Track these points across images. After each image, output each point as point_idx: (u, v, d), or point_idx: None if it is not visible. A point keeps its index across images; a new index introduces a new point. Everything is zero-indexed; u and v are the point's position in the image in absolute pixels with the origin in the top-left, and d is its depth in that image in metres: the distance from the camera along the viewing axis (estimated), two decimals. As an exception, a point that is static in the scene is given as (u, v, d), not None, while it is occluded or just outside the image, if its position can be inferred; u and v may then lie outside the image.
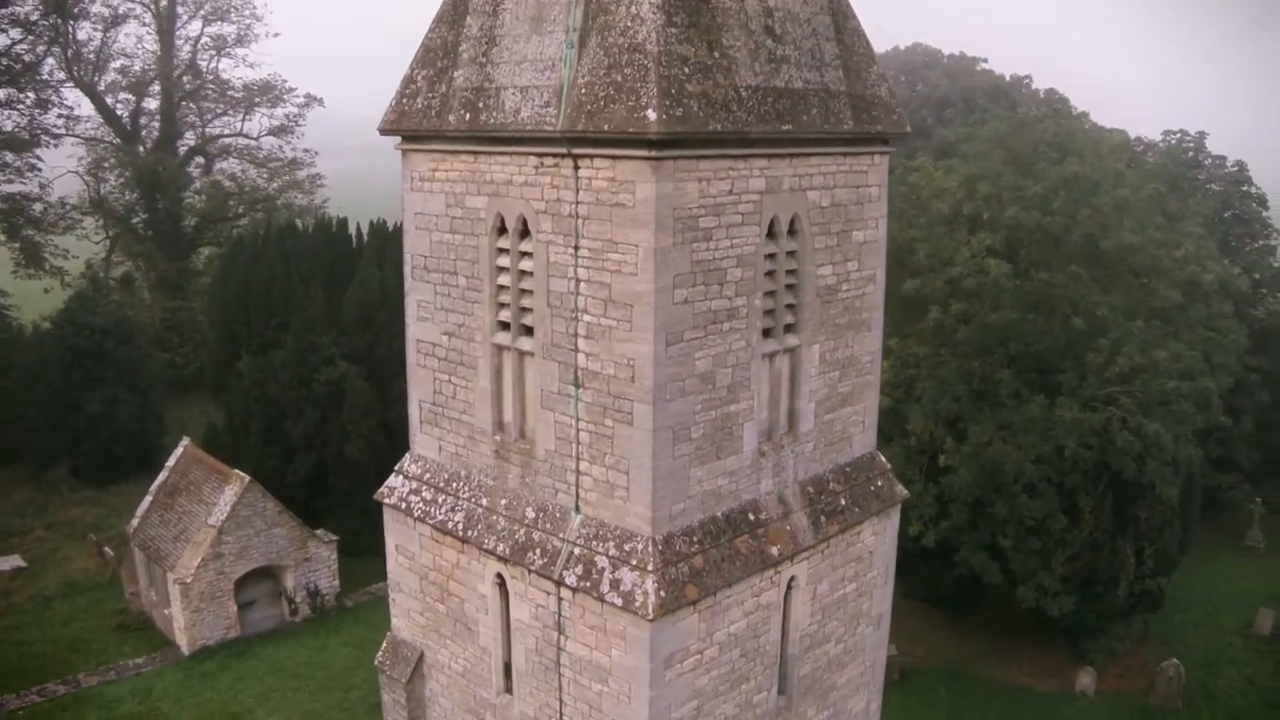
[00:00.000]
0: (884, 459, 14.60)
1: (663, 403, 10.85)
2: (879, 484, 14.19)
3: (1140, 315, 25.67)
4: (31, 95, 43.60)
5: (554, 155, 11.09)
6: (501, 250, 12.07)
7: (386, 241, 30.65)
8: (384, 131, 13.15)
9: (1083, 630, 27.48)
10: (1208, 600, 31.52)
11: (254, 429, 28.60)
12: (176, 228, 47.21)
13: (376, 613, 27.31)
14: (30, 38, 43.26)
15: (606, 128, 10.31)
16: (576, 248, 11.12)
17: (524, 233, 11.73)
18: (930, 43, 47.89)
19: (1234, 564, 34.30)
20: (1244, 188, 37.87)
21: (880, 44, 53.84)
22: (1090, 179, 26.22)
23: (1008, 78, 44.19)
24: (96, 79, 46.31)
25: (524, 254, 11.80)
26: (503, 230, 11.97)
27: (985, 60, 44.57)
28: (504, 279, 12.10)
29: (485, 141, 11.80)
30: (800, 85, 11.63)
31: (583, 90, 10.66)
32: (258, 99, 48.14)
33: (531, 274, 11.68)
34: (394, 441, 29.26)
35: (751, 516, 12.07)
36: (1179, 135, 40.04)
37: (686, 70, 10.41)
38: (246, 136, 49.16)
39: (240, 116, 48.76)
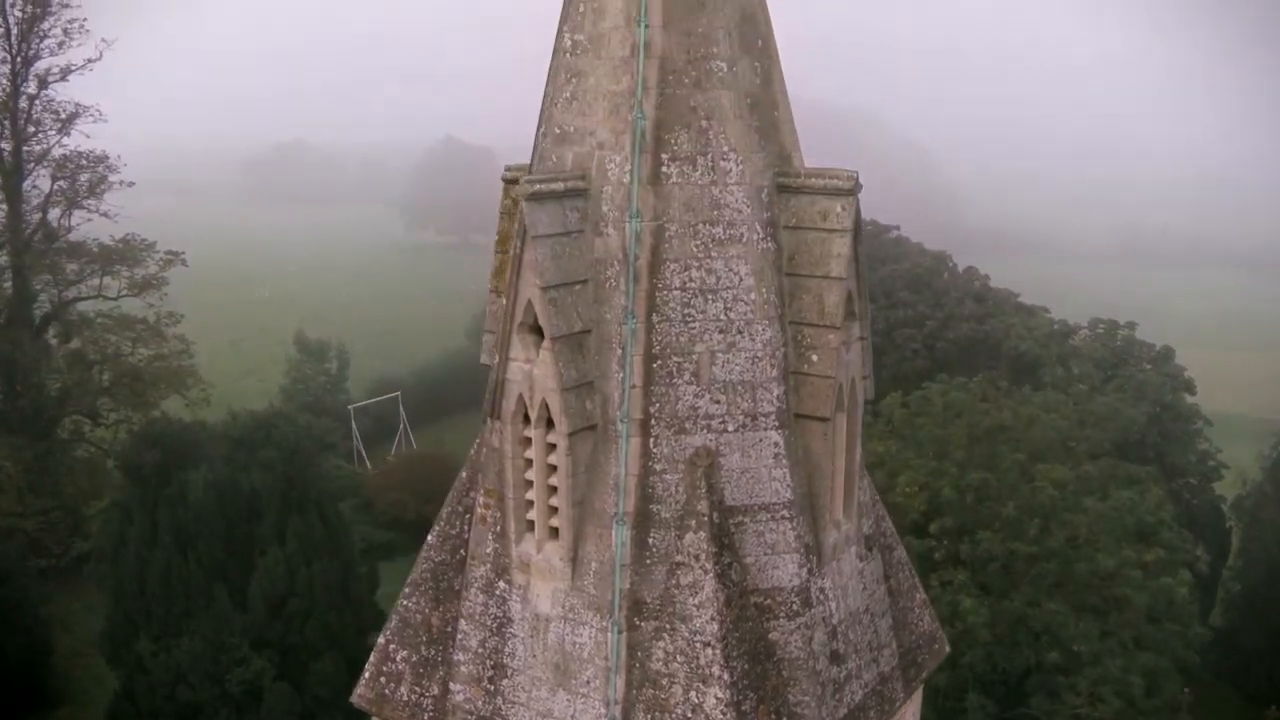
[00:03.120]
0: None
1: None
2: None
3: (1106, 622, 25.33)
4: None
5: None
6: None
7: (287, 511, 28.28)
8: (359, 708, 11.04)
9: None
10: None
11: (166, 726, 26.07)
12: (40, 407, 43.36)
13: None
14: None
15: None
16: None
17: None
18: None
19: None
20: (1173, 392, 38.04)
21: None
22: (1066, 489, 25.73)
23: (923, 245, 43.81)
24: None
25: None
26: None
27: (898, 228, 44.10)
28: None
29: (501, 796, 9.78)
30: (860, 696, 9.99)
31: (638, 802, 8.80)
32: (114, 259, 44.61)
33: None
34: (315, 730, 26.94)
35: None
36: (1107, 325, 40.11)
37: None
38: (105, 297, 45.53)
39: (98, 278, 45.12)
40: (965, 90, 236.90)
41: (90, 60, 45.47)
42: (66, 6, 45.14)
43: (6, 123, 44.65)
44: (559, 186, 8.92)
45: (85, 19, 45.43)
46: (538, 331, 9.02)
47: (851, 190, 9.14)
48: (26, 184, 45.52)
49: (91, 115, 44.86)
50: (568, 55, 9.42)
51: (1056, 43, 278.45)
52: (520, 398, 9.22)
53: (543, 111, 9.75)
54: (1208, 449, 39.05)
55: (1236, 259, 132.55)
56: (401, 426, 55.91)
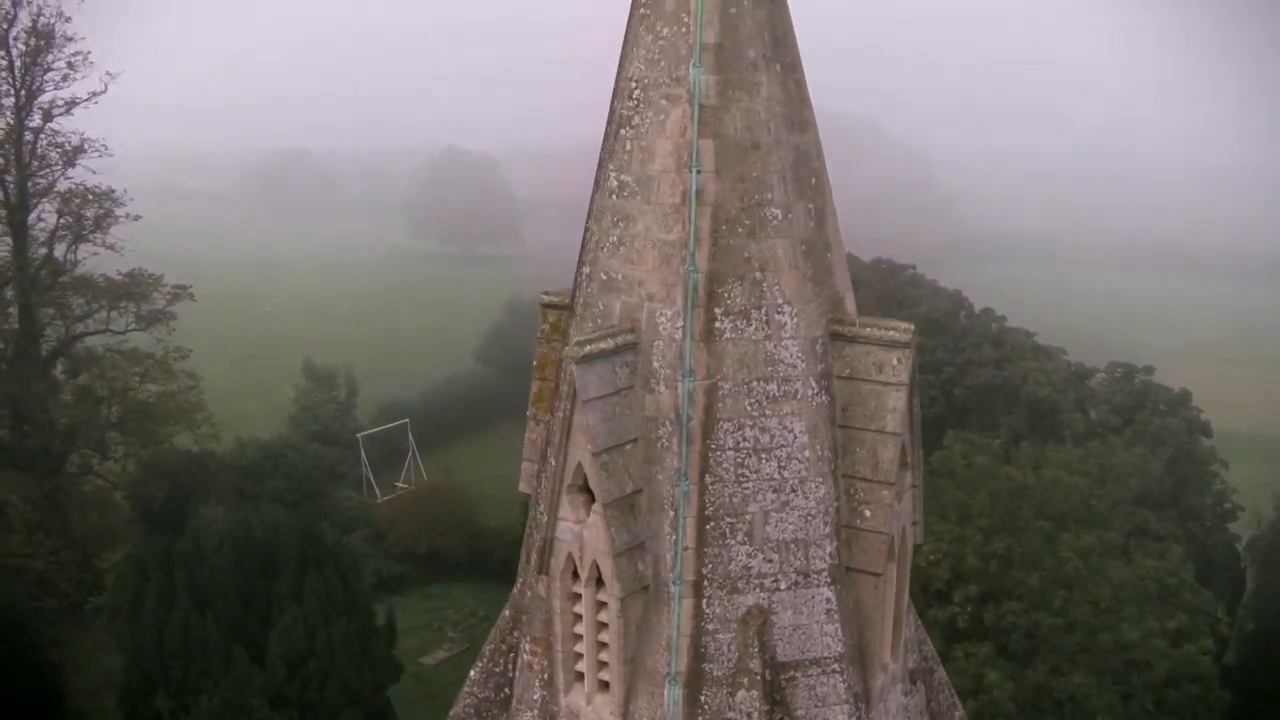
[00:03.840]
0: None
1: None
2: None
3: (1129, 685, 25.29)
4: None
5: None
6: None
7: (305, 567, 28.11)
8: None
9: None
10: None
11: (192, 792, 25.90)
12: (48, 444, 43.18)
13: None
14: None
15: None
16: None
17: None
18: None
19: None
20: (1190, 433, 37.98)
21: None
22: (1090, 559, 25.67)
23: (939, 283, 43.77)
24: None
25: None
26: None
27: (913, 266, 43.94)
28: None
29: None
30: (913, 837, 9.89)
31: None
32: (121, 294, 44.37)
33: None
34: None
35: None
36: (1125, 368, 40.11)
37: None
38: (113, 331, 45.31)
39: (105, 312, 44.87)
40: (963, 98, 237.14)
41: (95, 93, 45.23)
42: (70, 40, 44.93)
43: (11, 156, 44.37)
44: (609, 345, 8.74)
45: (89, 52, 45.27)
46: (587, 492, 8.86)
47: (908, 344, 8.97)
48: (31, 217, 45.26)
49: (97, 150, 44.59)
50: (614, 196, 9.20)
51: (1057, 51, 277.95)
52: (570, 556, 9.07)
53: (586, 249, 9.56)
54: (1223, 489, 38.94)
55: (1241, 268, 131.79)
56: (410, 453, 55.71)
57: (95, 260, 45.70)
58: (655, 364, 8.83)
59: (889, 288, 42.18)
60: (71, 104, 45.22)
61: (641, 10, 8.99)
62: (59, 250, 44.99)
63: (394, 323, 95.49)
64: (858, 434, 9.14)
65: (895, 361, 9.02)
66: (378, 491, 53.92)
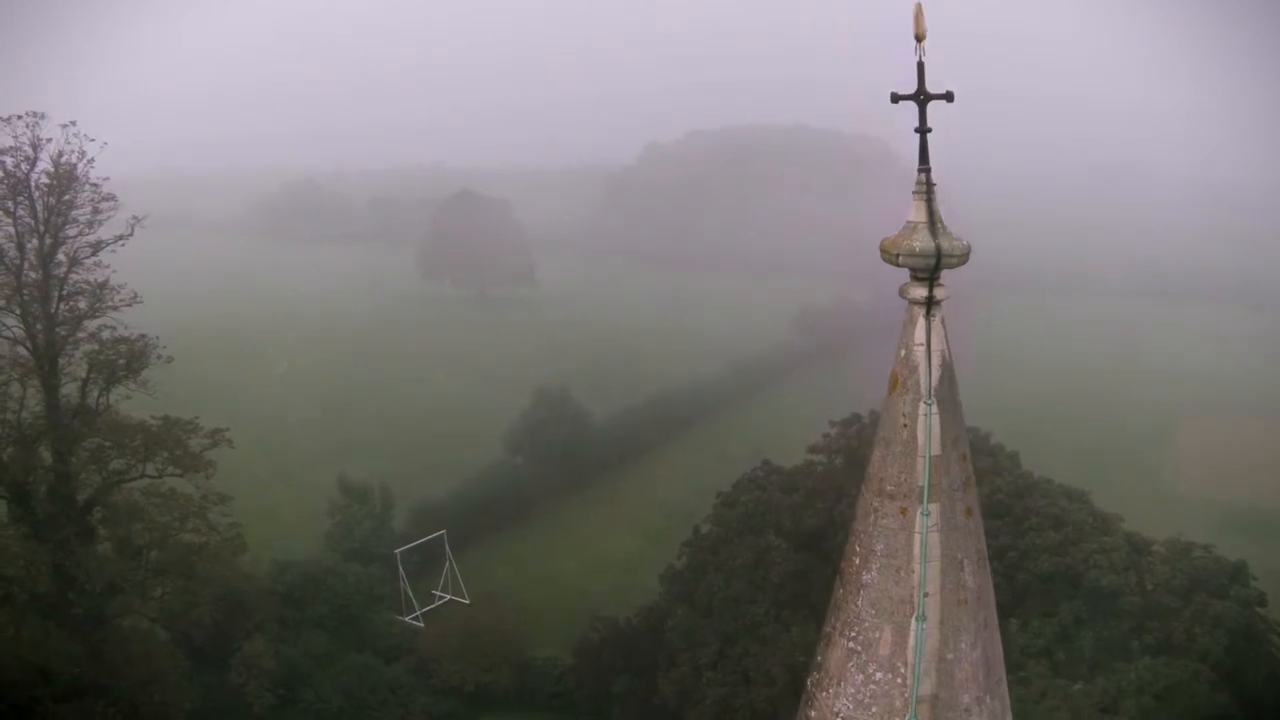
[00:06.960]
0: None
1: None
2: None
3: None
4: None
5: None
6: None
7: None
8: None
9: None
10: None
11: None
12: (90, 608, 42.81)
13: None
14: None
15: None
16: None
17: None
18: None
19: None
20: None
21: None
22: None
23: (988, 436, 43.15)
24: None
25: None
26: None
27: (977, 428, 43.06)
28: None
29: None
30: None
31: None
32: (155, 443, 43.77)
33: None
34: None
35: None
36: (1183, 545, 40.31)
37: None
38: (149, 477, 44.73)
39: (140, 461, 44.27)
40: (973, 122, 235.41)
41: (121, 237, 44.66)
42: (96, 185, 44.46)
43: (38, 303, 43.85)
44: None
45: (114, 195, 44.83)
46: None
47: None
48: (61, 360, 44.71)
49: (124, 299, 44.05)
50: None
51: (1066, 71, 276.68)
52: None
53: None
54: (1276, 652, 38.47)
55: (1258, 297, 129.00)
56: (447, 562, 55.04)
57: (128, 403, 45.15)
58: None
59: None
60: (98, 247, 44.63)
61: (850, 644, 8.74)
62: (91, 397, 44.39)
63: (417, 395, 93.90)
64: None
65: None
66: (416, 604, 53.29)
